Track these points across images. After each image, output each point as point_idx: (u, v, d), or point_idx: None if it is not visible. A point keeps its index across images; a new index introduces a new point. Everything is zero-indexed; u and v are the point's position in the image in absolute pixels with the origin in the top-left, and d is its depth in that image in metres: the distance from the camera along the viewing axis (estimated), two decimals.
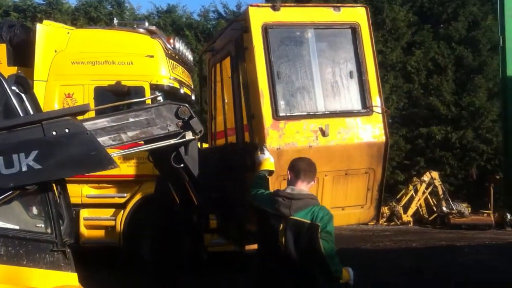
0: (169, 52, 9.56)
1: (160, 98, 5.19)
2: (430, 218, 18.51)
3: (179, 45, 10.17)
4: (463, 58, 20.02)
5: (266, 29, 5.35)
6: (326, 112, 5.51)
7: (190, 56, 10.87)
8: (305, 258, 3.86)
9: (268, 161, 4.89)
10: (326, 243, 3.81)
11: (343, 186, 5.62)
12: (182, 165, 5.16)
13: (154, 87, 8.87)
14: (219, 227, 6.18)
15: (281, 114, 5.33)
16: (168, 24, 21.58)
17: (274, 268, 4.00)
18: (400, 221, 18.23)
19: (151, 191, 8.86)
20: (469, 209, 18.75)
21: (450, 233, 16.11)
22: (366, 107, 5.54)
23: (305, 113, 5.47)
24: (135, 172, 8.98)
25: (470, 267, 10.52)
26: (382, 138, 5.56)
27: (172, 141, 4.87)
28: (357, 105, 5.60)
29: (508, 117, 5.95)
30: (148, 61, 9.12)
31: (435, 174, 18.40)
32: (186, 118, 4.89)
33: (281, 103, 5.40)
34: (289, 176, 4.23)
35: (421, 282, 9.00)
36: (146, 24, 10.46)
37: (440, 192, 18.38)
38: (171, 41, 9.98)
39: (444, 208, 18.16)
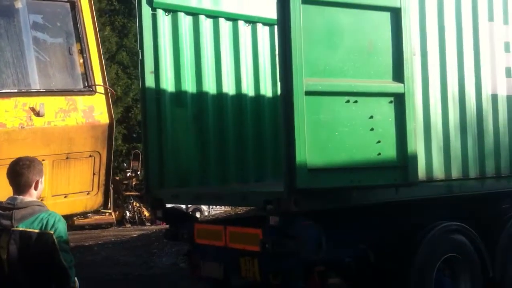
0: None
1: None
2: None
3: None
4: None
5: None
6: (42, 90, 5.01)
7: None
8: (37, 274, 3.30)
9: None
10: (66, 253, 3.31)
11: (65, 171, 5.19)
12: None
13: None
14: None
15: None
16: None
17: None
18: None
19: None
20: None
21: (76, 234, 16.44)
22: (88, 86, 5.22)
23: (16, 90, 4.87)
24: None
25: (100, 263, 11.11)
26: (106, 119, 5.31)
27: None
28: (78, 84, 5.23)
29: (147, 126, 6.34)
30: None
31: None
32: None
33: None
34: (11, 187, 3.51)
35: None
36: None
37: None
38: None
39: None
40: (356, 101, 4.68)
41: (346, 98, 4.66)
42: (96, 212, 19.80)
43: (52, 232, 3.28)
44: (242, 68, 7.11)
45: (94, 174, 5.52)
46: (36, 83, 5.15)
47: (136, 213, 19.68)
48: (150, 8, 6.36)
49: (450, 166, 5.58)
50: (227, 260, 5.65)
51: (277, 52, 6.98)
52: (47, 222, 3.29)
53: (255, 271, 5.35)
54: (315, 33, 4.57)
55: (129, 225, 19.29)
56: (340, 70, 4.68)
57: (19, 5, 5.14)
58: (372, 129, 4.73)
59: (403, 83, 4.80)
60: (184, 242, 6.32)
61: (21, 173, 3.41)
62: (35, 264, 3.29)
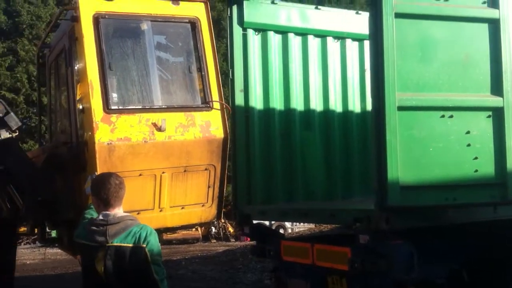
0: None
1: None
2: None
3: None
4: None
5: (97, 19, 5.07)
6: (163, 106, 5.31)
7: None
8: (132, 287, 3.37)
9: None
10: (158, 266, 3.37)
11: (183, 183, 5.40)
12: (1, 167, 4.62)
13: None
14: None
15: (112, 107, 5.03)
16: None
17: None
18: None
19: None
20: None
21: (165, 248, 16.94)
22: (206, 102, 5.48)
23: (140, 107, 5.19)
24: None
25: (187, 277, 11.37)
26: (221, 134, 5.52)
27: None
28: (196, 100, 5.50)
29: (236, 143, 6.35)
30: None
31: None
32: (1, 115, 4.49)
33: (113, 96, 5.10)
34: (95, 204, 3.50)
35: None
36: None
37: None
38: None
39: None
40: (451, 116, 4.52)
41: (441, 112, 4.51)
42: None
43: (144, 245, 3.33)
44: (330, 84, 7.09)
45: (209, 186, 5.66)
46: (158, 100, 5.41)
47: (221, 229, 19.99)
48: (241, 28, 6.52)
49: None
50: (314, 278, 5.57)
51: (366, 68, 6.95)
52: (139, 235, 3.34)
53: None
54: (408, 47, 4.48)
55: (214, 241, 19.65)
56: (435, 84, 4.55)
57: (144, 27, 5.45)
58: (468, 145, 4.56)
59: (502, 97, 4.59)
60: (271, 259, 6.30)
61: (121, 186, 3.44)
62: (130, 277, 3.34)
